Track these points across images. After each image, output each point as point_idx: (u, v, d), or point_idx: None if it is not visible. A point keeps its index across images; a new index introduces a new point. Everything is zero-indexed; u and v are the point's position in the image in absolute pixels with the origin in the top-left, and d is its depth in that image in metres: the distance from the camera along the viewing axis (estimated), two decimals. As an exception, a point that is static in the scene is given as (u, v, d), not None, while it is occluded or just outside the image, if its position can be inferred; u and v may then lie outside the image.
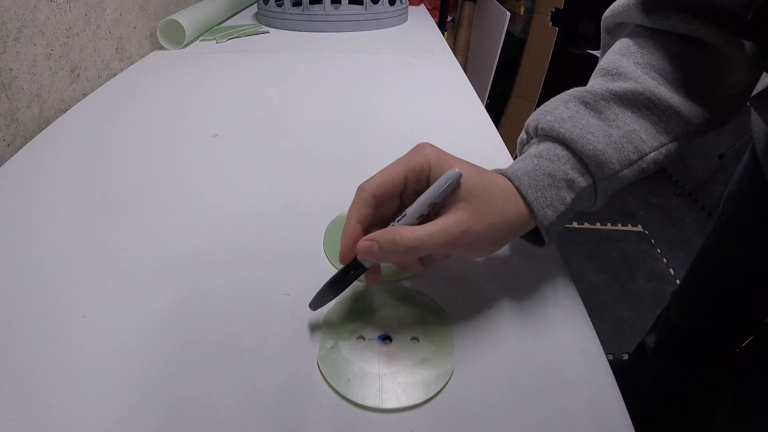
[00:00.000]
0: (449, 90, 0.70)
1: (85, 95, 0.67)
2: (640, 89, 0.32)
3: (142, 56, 0.83)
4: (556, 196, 0.30)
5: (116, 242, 0.38)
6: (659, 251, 1.64)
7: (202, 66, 0.78)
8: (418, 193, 0.29)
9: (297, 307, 0.32)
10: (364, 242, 0.28)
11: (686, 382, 0.82)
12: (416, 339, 0.30)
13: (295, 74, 0.75)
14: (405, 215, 0.29)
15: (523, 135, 0.36)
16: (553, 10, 1.68)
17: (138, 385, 0.27)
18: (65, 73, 0.64)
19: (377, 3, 0.98)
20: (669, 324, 0.80)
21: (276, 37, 0.95)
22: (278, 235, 0.39)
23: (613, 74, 0.34)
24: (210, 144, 0.54)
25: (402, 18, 1.07)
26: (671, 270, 1.56)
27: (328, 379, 0.27)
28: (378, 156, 0.52)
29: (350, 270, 0.29)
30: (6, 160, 0.50)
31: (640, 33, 0.36)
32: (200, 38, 0.91)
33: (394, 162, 0.30)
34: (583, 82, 0.36)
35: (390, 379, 0.28)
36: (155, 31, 0.85)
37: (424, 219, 0.29)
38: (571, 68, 1.77)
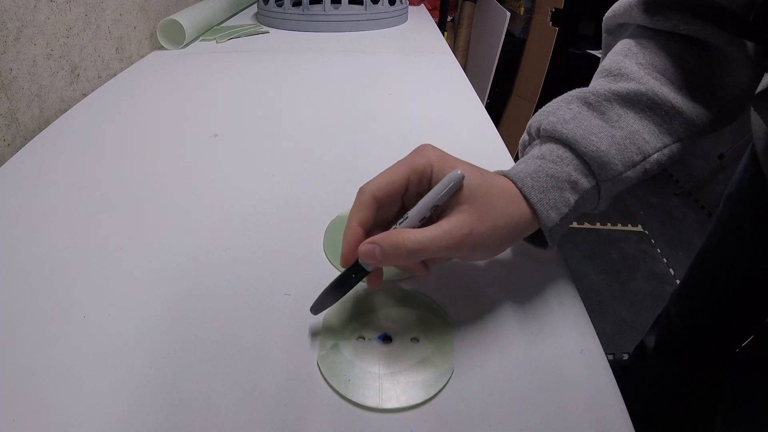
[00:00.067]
0: (449, 90, 0.70)
1: (85, 95, 0.67)
2: (643, 90, 0.32)
3: (142, 56, 0.83)
4: (559, 197, 0.30)
5: (116, 242, 0.38)
6: (659, 251, 1.64)
7: (202, 66, 0.78)
8: (420, 196, 0.29)
9: (297, 307, 0.32)
10: (365, 246, 0.27)
11: (686, 382, 0.82)
12: (416, 339, 0.30)
13: (295, 74, 0.75)
14: (407, 218, 0.29)
15: (525, 136, 0.36)
16: (553, 10, 1.68)
17: (138, 385, 0.27)
18: (65, 73, 0.64)
19: (377, 3, 0.98)
20: (669, 324, 0.80)
21: (276, 37, 0.95)
22: (278, 235, 0.39)
23: (616, 75, 0.33)
24: (210, 144, 0.54)
25: (402, 18, 1.07)
26: (671, 270, 1.56)
27: (328, 379, 0.27)
28: (378, 156, 0.52)
29: (352, 273, 0.29)
30: (6, 160, 0.50)
31: (641, 34, 0.36)
32: (200, 38, 0.91)
33: (395, 164, 0.30)
34: (584, 82, 0.35)
35: (390, 379, 0.28)
36: (155, 31, 0.85)
37: (426, 221, 0.29)
38: (571, 68, 1.77)
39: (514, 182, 0.30)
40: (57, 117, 0.60)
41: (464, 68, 1.33)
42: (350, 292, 0.30)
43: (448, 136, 0.56)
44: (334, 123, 0.59)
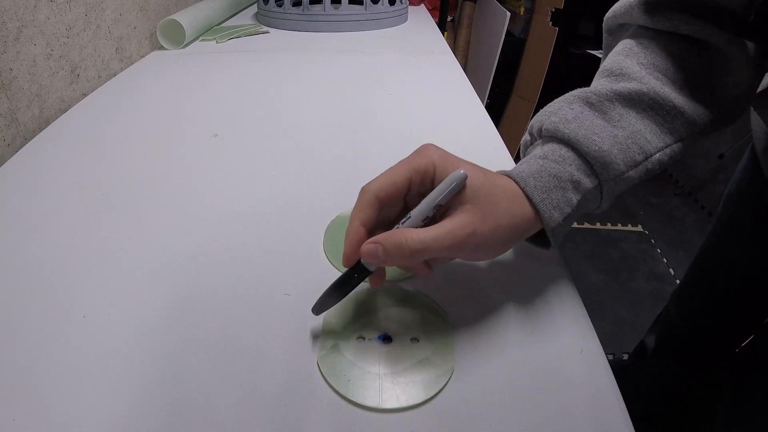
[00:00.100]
0: (449, 90, 0.70)
1: (85, 95, 0.67)
2: (645, 89, 0.32)
3: (142, 56, 0.83)
4: (562, 197, 0.30)
5: (116, 242, 0.38)
6: (659, 251, 1.64)
7: (202, 66, 0.78)
8: (422, 195, 0.29)
9: (297, 307, 0.32)
10: (368, 245, 0.27)
11: (686, 382, 0.82)
12: (416, 339, 0.30)
13: (295, 74, 0.75)
14: (410, 217, 0.28)
15: (526, 136, 0.36)
16: (553, 10, 1.68)
17: (138, 385, 0.27)
18: (65, 73, 0.64)
19: (377, 3, 0.98)
20: (669, 324, 0.80)
21: (276, 37, 0.95)
22: (278, 235, 0.39)
23: (617, 75, 0.33)
24: (210, 144, 0.54)
25: (402, 18, 1.07)
26: (671, 270, 1.56)
27: (328, 379, 0.27)
28: (378, 156, 0.52)
29: (354, 273, 0.29)
30: (6, 160, 0.50)
31: (642, 34, 0.36)
32: (200, 38, 0.91)
33: (397, 163, 0.30)
34: (583, 82, 0.35)
35: (390, 379, 0.28)
36: (155, 31, 0.85)
37: (428, 221, 0.28)
38: (571, 68, 1.77)
39: (516, 182, 0.30)
40: (57, 117, 0.60)
41: (464, 68, 1.33)
42: (350, 293, 0.30)
43: (448, 136, 0.56)
44: (334, 123, 0.59)
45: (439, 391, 0.27)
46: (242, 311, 0.32)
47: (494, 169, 0.32)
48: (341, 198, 0.44)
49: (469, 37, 1.96)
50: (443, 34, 1.06)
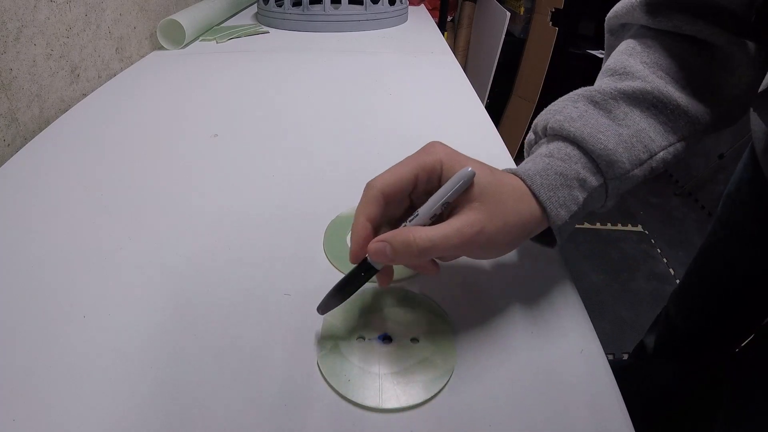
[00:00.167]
0: (449, 90, 0.70)
1: (85, 95, 0.67)
2: (649, 88, 0.32)
3: (142, 56, 0.83)
4: (568, 195, 0.30)
5: (116, 242, 0.38)
6: (659, 251, 1.64)
7: (202, 66, 0.78)
8: (429, 193, 0.28)
9: (297, 307, 0.32)
10: (375, 244, 0.27)
11: (686, 382, 0.82)
12: (416, 339, 0.30)
13: (295, 74, 0.75)
14: (417, 215, 0.28)
15: (531, 135, 0.36)
16: (553, 10, 1.68)
17: (138, 385, 0.27)
18: (65, 73, 0.64)
19: (377, 3, 0.98)
20: (669, 324, 0.80)
21: (276, 37, 0.95)
22: (278, 235, 0.39)
23: (621, 74, 0.34)
24: (210, 144, 0.54)
25: (402, 18, 1.07)
26: (671, 270, 1.56)
27: (328, 379, 0.27)
28: (378, 156, 0.52)
29: (360, 272, 0.29)
30: (6, 160, 0.50)
31: (644, 34, 0.36)
32: (200, 38, 0.91)
33: (403, 160, 0.29)
34: (583, 82, 0.35)
35: (390, 379, 0.28)
36: (155, 31, 0.85)
37: (436, 219, 0.28)
38: (571, 68, 1.77)
39: (523, 180, 0.30)
40: (57, 117, 0.60)
41: (464, 68, 1.33)
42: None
43: (448, 137, 0.55)
44: (334, 123, 0.59)
45: (439, 391, 0.27)
46: (242, 311, 0.32)
47: None
48: (341, 198, 0.44)
49: (469, 37, 1.97)
50: (443, 34, 1.06)
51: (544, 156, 0.31)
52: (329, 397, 0.27)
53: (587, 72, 0.37)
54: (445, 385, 0.27)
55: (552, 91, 1.74)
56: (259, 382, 0.28)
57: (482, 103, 0.65)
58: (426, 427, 0.26)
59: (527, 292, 0.34)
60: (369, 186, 0.29)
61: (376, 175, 0.29)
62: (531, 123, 0.36)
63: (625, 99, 0.32)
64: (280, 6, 0.98)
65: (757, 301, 0.65)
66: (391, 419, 0.26)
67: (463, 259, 0.36)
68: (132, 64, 0.79)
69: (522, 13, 1.81)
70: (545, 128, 0.33)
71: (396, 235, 0.27)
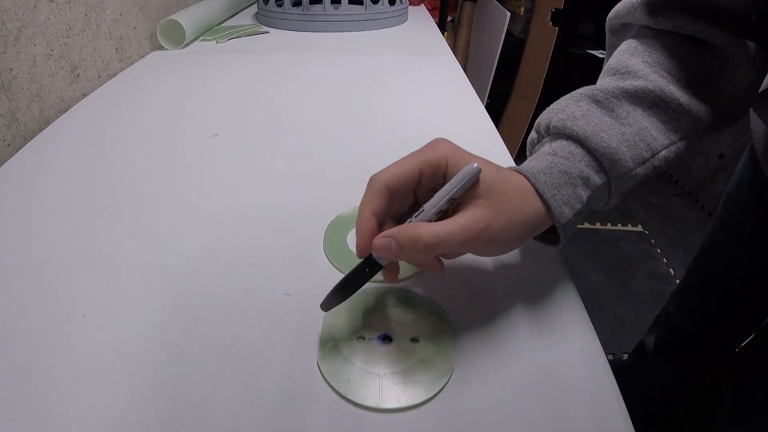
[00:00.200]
0: (449, 90, 0.70)
1: (85, 95, 0.67)
2: (651, 87, 0.32)
3: (142, 56, 0.83)
4: (572, 193, 0.30)
5: (116, 242, 0.38)
6: (659, 251, 1.64)
7: (202, 66, 0.78)
8: (433, 190, 0.28)
9: (297, 307, 0.32)
10: (380, 239, 0.27)
11: (686, 382, 0.82)
12: (416, 339, 0.30)
13: (295, 74, 0.75)
14: (423, 210, 0.28)
15: (533, 134, 0.36)
16: (553, 10, 1.68)
17: (138, 385, 0.27)
18: (65, 73, 0.64)
19: (377, 3, 0.98)
20: (669, 324, 0.80)
21: (276, 37, 0.95)
22: (278, 235, 0.39)
23: (623, 73, 0.34)
24: (210, 144, 0.54)
25: (402, 18, 1.07)
26: (671, 270, 1.56)
27: (328, 379, 0.27)
28: (378, 156, 0.52)
29: (365, 268, 0.28)
30: (6, 160, 0.50)
31: (646, 34, 0.36)
32: (200, 38, 0.91)
33: (408, 155, 0.29)
34: (583, 82, 0.36)
35: (390, 379, 0.28)
36: (155, 31, 0.85)
37: (441, 216, 0.28)
38: (571, 68, 1.77)
39: (527, 178, 0.30)
40: (57, 117, 0.60)
41: (464, 68, 1.33)
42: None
43: (448, 136, 0.55)
44: (334, 123, 0.59)
45: (439, 391, 0.27)
46: (242, 311, 0.32)
47: None
48: (341, 198, 0.44)
49: (469, 37, 1.97)
50: (443, 34, 1.06)
51: (547, 154, 0.31)
52: (329, 397, 0.27)
53: (587, 72, 0.37)
54: (445, 385, 0.27)
55: (552, 91, 1.75)
56: (259, 382, 0.28)
57: (482, 103, 0.65)
58: (426, 427, 0.26)
59: (527, 292, 0.34)
60: (373, 180, 0.28)
61: (387, 167, 0.29)
62: (531, 123, 0.36)
63: (628, 98, 0.32)
64: (280, 6, 0.98)
65: (757, 301, 0.65)
66: (391, 419, 0.26)
67: (463, 260, 0.36)
68: (132, 64, 0.79)
69: (522, 13, 1.81)
70: (548, 127, 0.33)
71: (402, 230, 0.26)
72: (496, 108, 1.95)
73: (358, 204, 0.29)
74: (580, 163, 0.30)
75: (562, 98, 0.34)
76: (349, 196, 0.43)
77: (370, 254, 0.28)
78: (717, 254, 0.68)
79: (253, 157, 0.51)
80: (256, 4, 1.13)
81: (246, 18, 1.10)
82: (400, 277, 0.34)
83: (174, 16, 0.84)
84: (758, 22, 0.32)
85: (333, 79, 0.73)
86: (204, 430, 0.25)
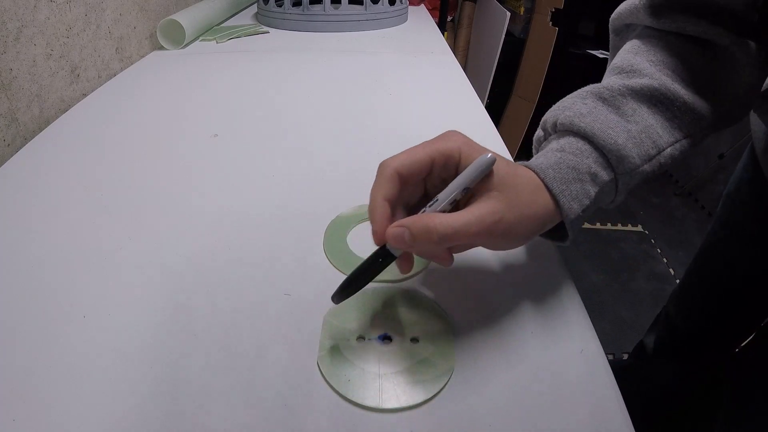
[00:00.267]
0: (449, 90, 0.70)
1: (85, 95, 0.67)
2: (656, 85, 0.32)
3: (142, 56, 0.83)
4: (581, 189, 0.30)
5: (116, 242, 0.38)
6: (659, 251, 1.64)
7: (202, 66, 0.78)
8: (444, 181, 0.28)
9: (297, 307, 0.32)
10: (394, 229, 0.26)
11: (686, 382, 0.82)
12: (416, 339, 0.30)
13: (295, 74, 0.75)
14: (437, 200, 0.27)
15: (539, 132, 0.36)
16: (553, 10, 1.68)
17: (138, 385, 0.27)
18: (65, 73, 0.64)
19: (377, 3, 0.98)
20: (669, 324, 0.80)
21: (276, 37, 0.95)
22: (278, 235, 0.39)
23: (628, 71, 0.34)
24: (210, 144, 0.54)
25: (402, 18, 1.07)
26: (671, 270, 1.56)
27: (328, 379, 0.27)
28: (378, 156, 0.51)
29: (378, 258, 0.28)
30: (6, 160, 0.50)
31: (649, 34, 0.36)
32: (200, 38, 0.91)
33: (419, 144, 0.29)
34: (583, 82, 0.36)
35: (390, 379, 0.28)
36: (155, 31, 0.85)
37: (453, 208, 0.28)
38: (571, 68, 1.77)
39: (536, 173, 0.30)
40: (57, 117, 0.60)
41: (464, 68, 1.33)
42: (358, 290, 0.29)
43: (448, 136, 0.56)
44: (334, 123, 0.59)
45: (439, 391, 0.27)
46: (242, 311, 0.32)
47: None
48: (341, 198, 0.44)
49: (469, 37, 1.97)
50: (443, 34, 1.06)
51: (555, 150, 0.31)
52: (329, 397, 0.27)
53: (587, 72, 0.37)
54: (445, 385, 0.27)
55: (552, 91, 1.75)
56: (259, 382, 0.28)
57: (482, 103, 0.65)
58: (426, 427, 0.26)
59: (527, 292, 0.34)
60: (384, 165, 0.28)
61: (398, 153, 0.28)
62: (531, 123, 0.36)
63: (633, 96, 0.32)
64: (280, 6, 0.98)
65: (757, 301, 0.65)
66: (391, 419, 0.26)
67: (464, 260, 0.36)
68: (132, 64, 0.79)
69: (522, 13, 1.81)
70: (555, 124, 0.33)
71: (416, 220, 0.26)
72: (496, 108, 1.95)
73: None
74: (588, 159, 0.30)
75: (568, 96, 0.34)
76: (349, 196, 0.43)
77: (384, 245, 0.27)
78: (717, 254, 0.68)
79: (253, 157, 0.51)
80: (256, 4, 1.13)
81: (246, 18, 1.10)
82: (414, 271, 0.33)
83: (174, 16, 0.84)
84: (760, 22, 0.32)
85: (333, 79, 0.73)
86: (204, 430, 0.25)
